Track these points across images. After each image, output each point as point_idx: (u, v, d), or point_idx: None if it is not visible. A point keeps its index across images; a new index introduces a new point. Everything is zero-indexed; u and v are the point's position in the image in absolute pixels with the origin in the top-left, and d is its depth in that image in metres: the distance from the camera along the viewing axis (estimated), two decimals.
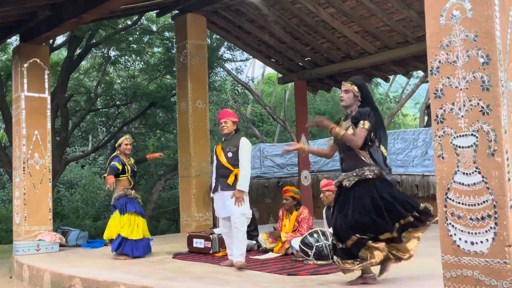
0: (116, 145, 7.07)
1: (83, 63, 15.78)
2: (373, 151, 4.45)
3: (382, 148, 4.49)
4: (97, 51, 14.85)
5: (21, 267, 7.04)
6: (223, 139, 6.03)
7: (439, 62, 3.33)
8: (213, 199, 6.05)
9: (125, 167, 6.97)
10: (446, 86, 3.29)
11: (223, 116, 5.95)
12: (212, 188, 5.99)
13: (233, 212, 5.66)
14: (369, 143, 4.44)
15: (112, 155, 7.06)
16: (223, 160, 5.83)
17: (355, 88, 4.55)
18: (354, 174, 4.41)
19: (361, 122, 4.38)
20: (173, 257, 6.76)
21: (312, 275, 5.08)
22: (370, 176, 4.36)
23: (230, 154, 5.80)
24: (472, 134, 3.17)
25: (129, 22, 13.01)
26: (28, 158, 8.24)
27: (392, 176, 4.53)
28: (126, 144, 7.06)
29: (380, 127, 4.48)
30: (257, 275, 5.26)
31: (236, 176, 5.71)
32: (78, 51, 12.60)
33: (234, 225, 5.68)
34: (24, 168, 8.21)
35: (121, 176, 6.94)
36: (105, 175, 6.94)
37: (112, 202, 7.08)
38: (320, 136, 19.80)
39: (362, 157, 4.43)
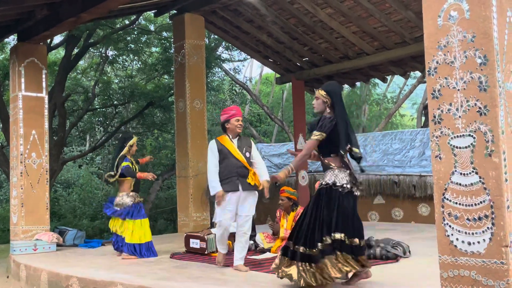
0: (130, 144, 7.05)
1: (81, 62, 15.77)
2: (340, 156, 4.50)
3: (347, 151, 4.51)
4: (95, 51, 14.84)
5: (18, 267, 7.03)
6: (230, 137, 5.74)
7: (437, 62, 3.33)
8: (218, 198, 5.58)
9: (133, 167, 7.01)
10: (443, 86, 3.30)
11: (240, 114, 5.78)
12: (226, 188, 5.56)
13: (251, 213, 5.63)
14: (332, 150, 4.49)
15: (121, 154, 7.00)
16: (243, 159, 5.64)
17: (324, 94, 4.58)
18: (321, 179, 4.54)
19: (313, 132, 4.47)
20: (170, 257, 6.75)
21: None
22: (330, 182, 4.40)
23: (248, 154, 5.70)
24: (469, 135, 3.17)
25: (127, 22, 13.00)
26: (25, 158, 8.22)
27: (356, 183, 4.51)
28: (137, 145, 7.22)
29: (341, 132, 4.45)
30: (254, 275, 5.26)
31: (253, 176, 5.67)
32: (75, 50, 12.59)
33: (242, 228, 5.59)
34: (21, 167, 8.20)
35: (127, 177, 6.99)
36: (112, 173, 6.96)
37: (120, 206, 6.96)
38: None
39: (328, 162, 4.51)
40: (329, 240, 4.24)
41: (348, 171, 4.49)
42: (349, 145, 4.45)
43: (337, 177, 4.42)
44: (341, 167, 4.50)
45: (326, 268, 4.20)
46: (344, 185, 4.39)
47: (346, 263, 4.25)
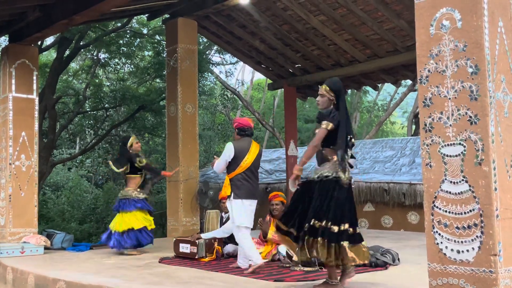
0: (128, 144, 7.65)
1: (72, 65, 15.70)
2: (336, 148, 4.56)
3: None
4: (87, 53, 14.79)
5: (5, 270, 6.96)
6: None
7: (428, 71, 3.35)
8: (243, 205, 5.84)
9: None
10: (434, 95, 3.32)
11: None
12: (252, 194, 5.90)
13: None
14: (333, 141, 4.55)
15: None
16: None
17: (329, 91, 4.65)
18: (318, 170, 4.59)
19: (323, 122, 4.51)
20: (159, 262, 6.72)
21: (299, 281, 5.08)
22: (330, 175, 4.47)
23: None
24: (459, 143, 3.19)
25: (119, 25, 12.97)
26: (14, 160, 8.16)
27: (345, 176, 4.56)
28: (137, 143, 7.75)
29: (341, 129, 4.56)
30: (243, 281, 5.24)
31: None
32: (67, 52, 12.53)
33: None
34: (10, 169, 8.13)
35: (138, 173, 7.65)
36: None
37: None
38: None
39: (326, 154, 4.58)
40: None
41: (343, 164, 4.53)
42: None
43: (336, 169, 4.48)
44: (337, 160, 4.54)
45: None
46: (341, 177, 4.46)
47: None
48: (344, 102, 4.67)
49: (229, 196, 5.92)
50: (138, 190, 7.64)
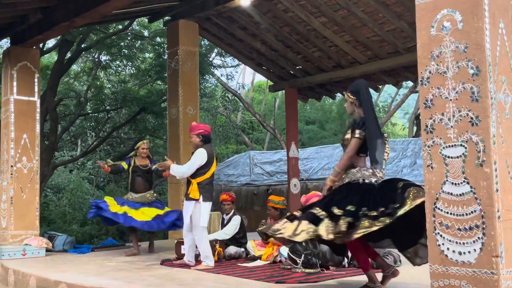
0: (136, 146, 8.01)
1: (74, 67, 15.73)
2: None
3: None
4: (88, 56, 14.81)
5: (7, 272, 6.97)
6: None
7: (430, 72, 3.35)
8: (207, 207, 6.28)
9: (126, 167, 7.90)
10: (436, 96, 3.32)
11: (189, 131, 6.42)
12: (212, 196, 6.34)
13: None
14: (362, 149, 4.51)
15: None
16: None
17: (350, 95, 4.63)
18: (344, 175, 4.52)
19: (357, 131, 4.46)
20: (160, 264, 6.72)
21: (300, 283, 5.08)
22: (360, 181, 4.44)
23: None
24: (461, 145, 3.19)
25: (120, 27, 12.99)
26: (16, 162, 8.17)
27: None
28: (143, 148, 7.90)
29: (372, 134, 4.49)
30: (245, 283, 5.24)
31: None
32: (68, 55, 12.56)
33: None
34: (11, 171, 8.14)
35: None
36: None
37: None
38: (310, 144, 19.86)
39: (353, 161, 4.52)
40: None
41: (371, 170, 4.50)
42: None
43: (363, 175, 4.45)
44: (365, 166, 4.54)
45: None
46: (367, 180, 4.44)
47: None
48: (366, 101, 4.55)
49: (195, 200, 6.14)
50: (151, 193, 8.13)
